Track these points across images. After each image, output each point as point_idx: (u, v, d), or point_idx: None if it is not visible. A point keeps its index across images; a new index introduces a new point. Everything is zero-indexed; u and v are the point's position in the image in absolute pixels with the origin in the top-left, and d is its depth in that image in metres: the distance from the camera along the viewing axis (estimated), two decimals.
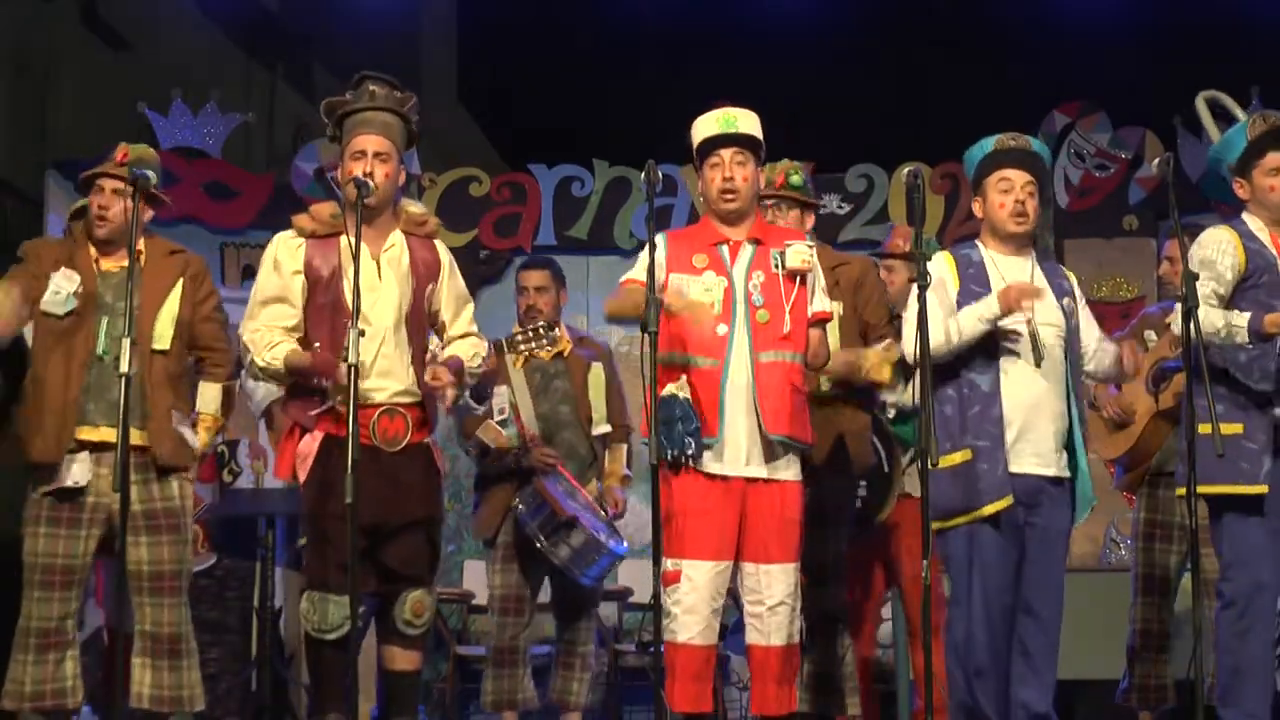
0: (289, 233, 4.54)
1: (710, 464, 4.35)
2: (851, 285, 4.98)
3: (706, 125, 4.54)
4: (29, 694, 4.67)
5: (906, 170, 4.30)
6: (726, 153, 4.48)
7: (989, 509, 4.30)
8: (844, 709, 4.95)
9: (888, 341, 4.87)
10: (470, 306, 4.69)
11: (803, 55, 8.74)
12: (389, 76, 4.57)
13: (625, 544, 5.54)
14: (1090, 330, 4.58)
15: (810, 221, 5.03)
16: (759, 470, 4.38)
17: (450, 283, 4.61)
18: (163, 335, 4.79)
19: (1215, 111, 4.82)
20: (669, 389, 4.32)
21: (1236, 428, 4.37)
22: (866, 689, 5.18)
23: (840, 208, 8.17)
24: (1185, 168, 7.84)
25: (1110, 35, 8.41)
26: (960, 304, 4.42)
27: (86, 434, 4.69)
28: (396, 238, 4.53)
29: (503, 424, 5.56)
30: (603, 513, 5.59)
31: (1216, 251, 4.50)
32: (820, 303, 4.53)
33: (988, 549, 4.34)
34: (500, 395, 5.55)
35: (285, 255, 4.49)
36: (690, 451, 4.29)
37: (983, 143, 4.53)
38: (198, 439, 4.86)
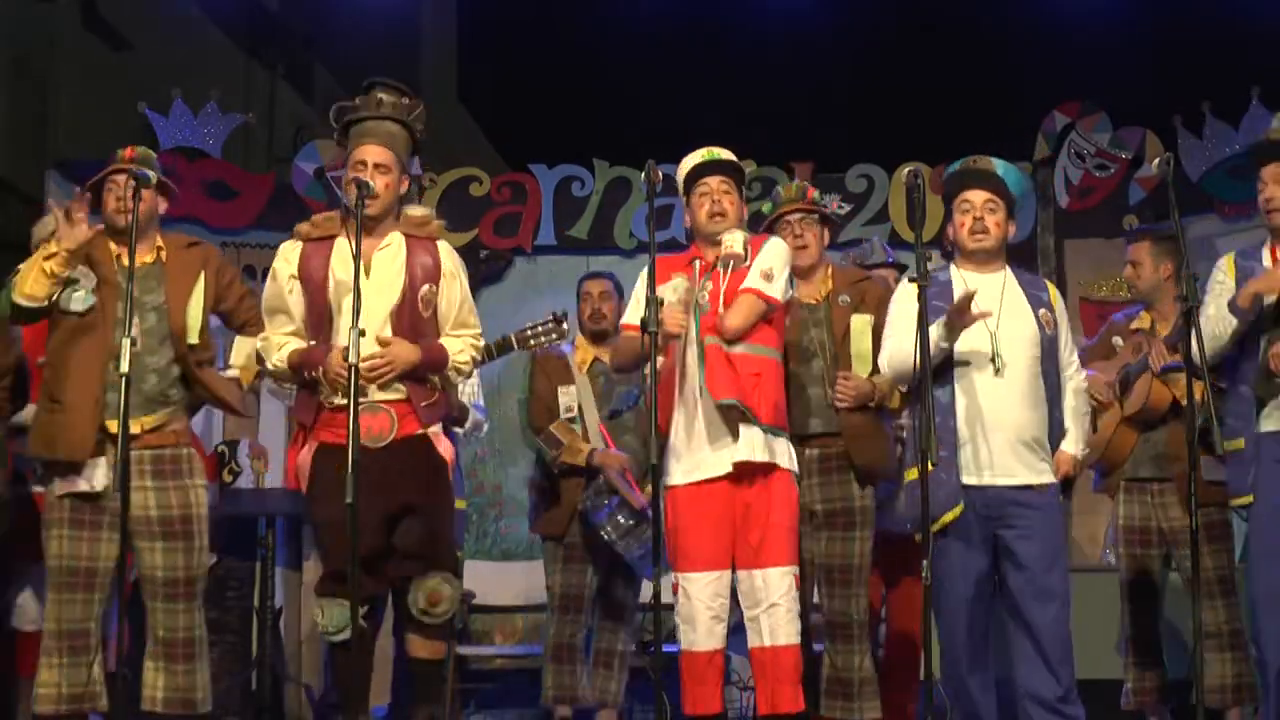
0: (290, 240, 4.65)
1: (692, 473, 4.58)
2: (876, 300, 5.10)
3: (692, 159, 4.81)
4: (66, 696, 4.66)
5: (906, 170, 4.32)
6: (713, 180, 4.74)
7: (946, 517, 4.39)
8: (863, 712, 4.97)
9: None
10: (469, 308, 4.67)
11: (803, 55, 8.74)
12: (397, 82, 4.62)
13: None
14: (1069, 354, 4.65)
15: (828, 236, 5.28)
16: (738, 454, 4.56)
17: (450, 286, 4.61)
18: (193, 329, 4.83)
19: None
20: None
21: (1239, 444, 4.42)
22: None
23: (840, 208, 8.17)
24: (1185, 168, 7.85)
25: (1110, 35, 8.41)
26: (922, 321, 4.49)
27: (118, 426, 4.65)
28: (394, 239, 4.56)
29: (571, 422, 5.70)
30: None
31: (1212, 279, 4.67)
32: (750, 280, 4.63)
33: (950, 561, 4.42)
34: (568, 394, 5.68)
35: (282, 263, 4.60)
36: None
37: (951, 166, 4.64)
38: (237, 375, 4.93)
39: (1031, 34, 8.54)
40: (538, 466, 5.85)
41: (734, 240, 4.66)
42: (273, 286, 4.60)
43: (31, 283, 4.66)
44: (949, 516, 4.39)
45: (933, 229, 8.08)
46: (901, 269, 5.86)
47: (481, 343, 4.72)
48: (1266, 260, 4.59)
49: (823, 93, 8.82)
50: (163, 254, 4.80)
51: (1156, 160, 4.49)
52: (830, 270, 5.21)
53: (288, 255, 4.60)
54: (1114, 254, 8.15)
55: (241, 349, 4.94)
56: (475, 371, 5.19)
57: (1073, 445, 4.57)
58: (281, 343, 4.57)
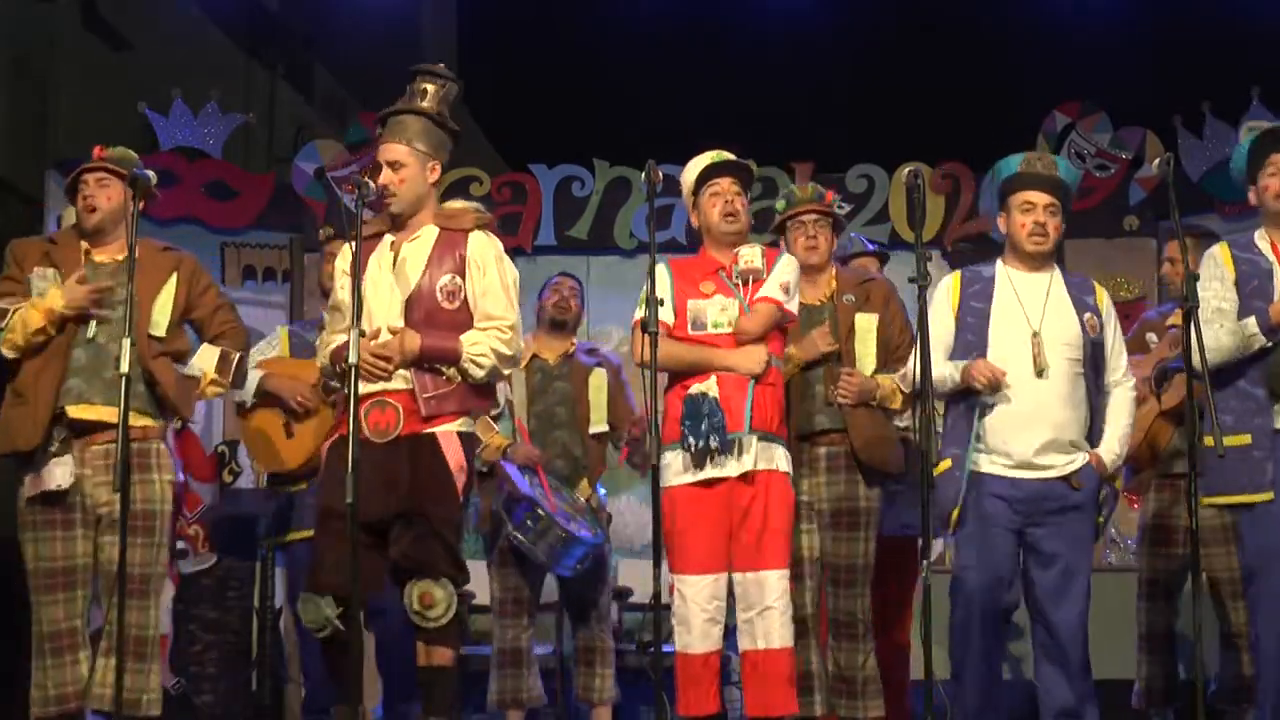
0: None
1: (713, 469, 4.56)
2: (882, 300, 5.15)
3: (699, 163, 4.82)
4: (52, 698, 4.64)
5: (906, 170, 4.32)
6: (724, 181, 4.77)
7: (955, 514, 4.41)
8: (867, 710, 4.97)
9: (904, 371, 5.01)
10: (495, 299, 4.54)
11: (803, 55, 8.74)
12: (439, 69, 4.62)
13: (600, 534, 5.59)
14: (1116, 358, 4.59)
15: (835, 241, 5.33)
16: (752, 463, 4.60)
17: (476, 277, 4.53)
18: (159, 323, 4.77)
19: None
20: (697, 387, 4.58)
21: (1245, 438, 4.40)
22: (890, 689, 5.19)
23: (840, 208, 8.17)
24: (1185, 168, 7.85)
25: (1110, 35, 8.41)
26: (960, 319, 4.51)
27: (81, 412, 4.65)
28: (425, 231, 4.55)
29: (497, 418, 5.65)
30: (581, 503, 5.65)
31: (1207, 273, 4.54)
32: (765, 291, 4.69)
33: (972, 548, 4.42)
34: (498, 391, 5.65)
35: (341, 261, 4.62)
36: (714, 446, 4.53)
37: (1010, 160, 4.59)
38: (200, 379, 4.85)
39: (1031, 34, 8.54)
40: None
41: (753, 255, 4.69)
42: (334, 285, 4.67)
43: (22, 337, 4.66)
44: (954, 514, 4.41)
45: (933, 229, 8.10)
46: (883, 258, 5.88)
47: (510, 334, 4.56)
48: (1267, 251, 4.55)
49: (823, 93, 8.82)
50: (136, 251, 4.66)
51: (1156, 160, 4.48)
52: (834, 271, 5.25)
53: (345, 254, 4.60)
54: (1114, 254, 8.17)
55: (206, 356, 4.89)
56: None
57: (1106, 451, 4.51)
58: (329, 341, 4.60)
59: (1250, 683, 5.14)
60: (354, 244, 4.24)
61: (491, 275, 4.54)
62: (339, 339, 4.55)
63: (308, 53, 9.81)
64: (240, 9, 9.30)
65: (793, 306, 4.75)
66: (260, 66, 9.57)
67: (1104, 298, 4.63)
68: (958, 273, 4.69)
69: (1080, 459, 4.45)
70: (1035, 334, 4.44)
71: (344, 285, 4.55)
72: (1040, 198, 4.51)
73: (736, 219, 4.74)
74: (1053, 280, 4.55)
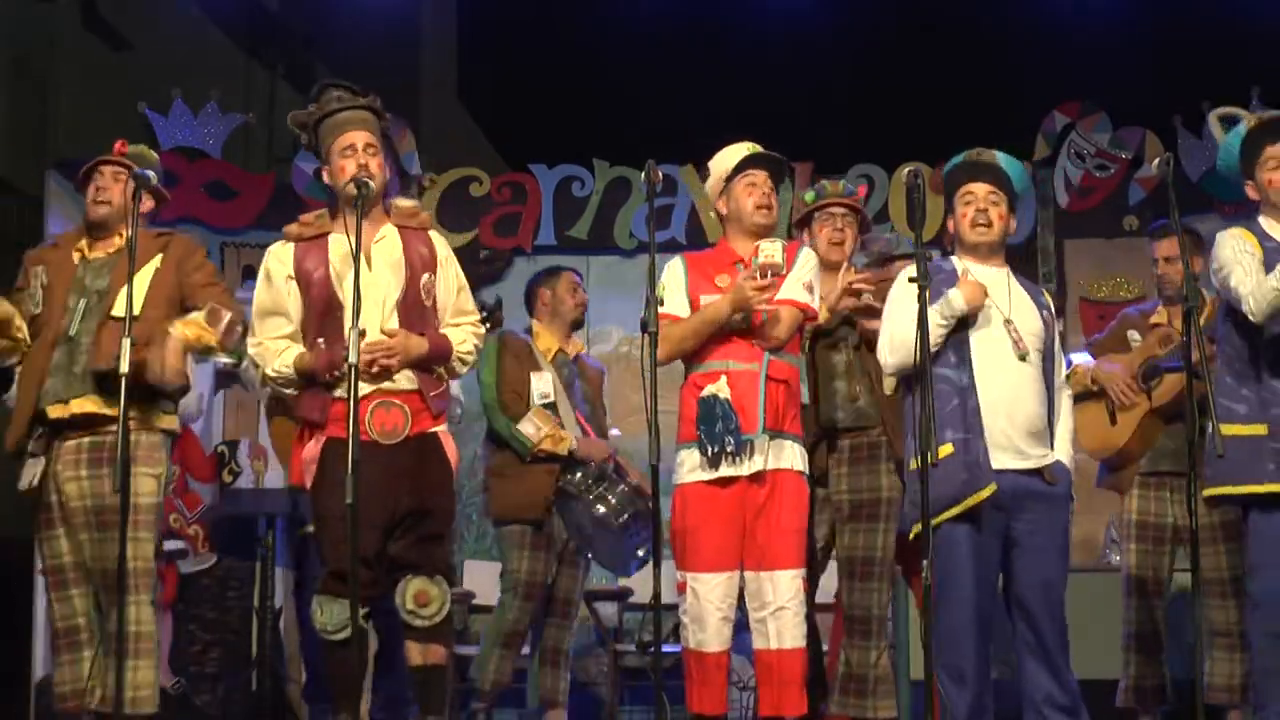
0: (279, 242, 4.57)
1: (727, 467, 4.54)
2: None
3: (737, 152, 4.80)
4: (67, 693, 4.67)
5: (906, 170, 4.31)
6: (760, 174, 4.75)
7: (974, 498, 4.32)
8: (877, 710, 4.95)
9: None
10: (466, 295, 4.64)
11: (802, 55, 8.74)
12: (347, 82, 4.58)
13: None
14: (1060, 361, 4.64)
15: (859, 239, 5.33)
16: (764, 463, 4.56)
17: (446, 274, 4.58)
18: (133, 303, 4.60)
19: (1230, 125, 4.81)
20: (709, 389, 4.56)
21: (1260, 429, 4.39)
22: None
23: None
24: (1185, 168, 7.85)
25: (1110, 35, 8.41)
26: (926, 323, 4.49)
27: (56, 411, 4.63)
28: (388, 230, 4.54)
29: (549, 408, 5.69)
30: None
31: (1236, 246, 4.49)
32: (788, 291, 4.65)
33: (960, 547, 4.38)
34: (544, 381, 5.69)
35: (275, 264, 4.52)
36: (730, 449, 4.50)
37: (952, 159, 4.62)
38: (176, 334, 4.63)
39: (1031, 34, 8.54)
40: (499, 452, 5.78)
41: (774, 250, 4.63)
42: (268, 289, 4.52)
43: None
44: (979, 495, 4.32)
45: (933, 229, 8.08)
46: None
47: (483, 329, 4.67)
48: (1277, 235, 4.54)
49: (823, 93, 8.82)
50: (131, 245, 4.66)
51: (1156, 160, 4.47)
52: (855, 270, 5.24)
53: (281, 257, 4.51)
54: (1114, 254, 8.18)
55: (193, 317, 4.68)
56: None
57: (1065, 456, 4.54)
58: (280, 348, 4.48)
59: (1243, 682, 5.14)
60: (353, 243, 4.23)
61: (460, 272, 4.62)
62: (292, 347, 4.47)
63: (308, 53, 9.81)
64: (240, 9, 9.29)
65: (816, 304, 4.73)
66: (260, 66, 9.57)
67: (1049, 299, 4.68)
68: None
69: (1052, 454, 4.46)
70: (1008, 320, 4.45)
71: (290, 291, 4.47)
72: (979, 188, 4.53)
73: (771, 212, 4.74)
74: (1009, 275, 4.58)
